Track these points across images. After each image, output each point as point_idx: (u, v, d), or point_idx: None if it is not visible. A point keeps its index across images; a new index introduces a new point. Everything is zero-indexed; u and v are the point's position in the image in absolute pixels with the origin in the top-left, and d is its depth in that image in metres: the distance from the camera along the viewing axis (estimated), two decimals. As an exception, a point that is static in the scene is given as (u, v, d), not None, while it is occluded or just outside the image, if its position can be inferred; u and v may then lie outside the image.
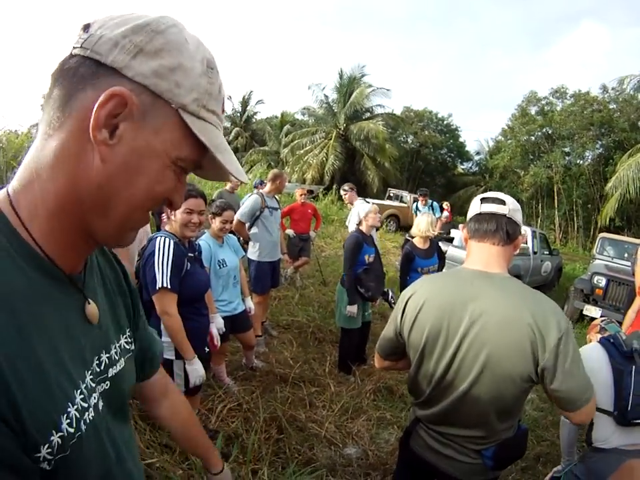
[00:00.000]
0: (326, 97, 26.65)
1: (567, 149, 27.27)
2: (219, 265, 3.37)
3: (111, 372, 0.74)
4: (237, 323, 3.59)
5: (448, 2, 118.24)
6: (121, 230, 0.64)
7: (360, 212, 4.33)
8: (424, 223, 4.42)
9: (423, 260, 4.37)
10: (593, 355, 2.06)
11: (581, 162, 26.86)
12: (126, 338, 0.83)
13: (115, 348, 0.77)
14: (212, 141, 0.62)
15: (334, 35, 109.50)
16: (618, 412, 1.92)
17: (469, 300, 1.43)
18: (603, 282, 7.78)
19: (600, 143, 25.90)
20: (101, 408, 0.69)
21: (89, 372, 0.67)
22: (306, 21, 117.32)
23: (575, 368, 1.36)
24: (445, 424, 1.55)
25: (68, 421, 0.58)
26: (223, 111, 0.68)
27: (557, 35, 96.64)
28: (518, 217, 1.53)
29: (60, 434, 0.56)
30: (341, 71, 25.92)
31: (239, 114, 34.95)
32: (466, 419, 1.50)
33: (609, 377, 1.98)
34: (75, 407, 0.60)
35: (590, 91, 26.70)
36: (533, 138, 28.78)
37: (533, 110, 29.38)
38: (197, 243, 2.99)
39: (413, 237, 4.72)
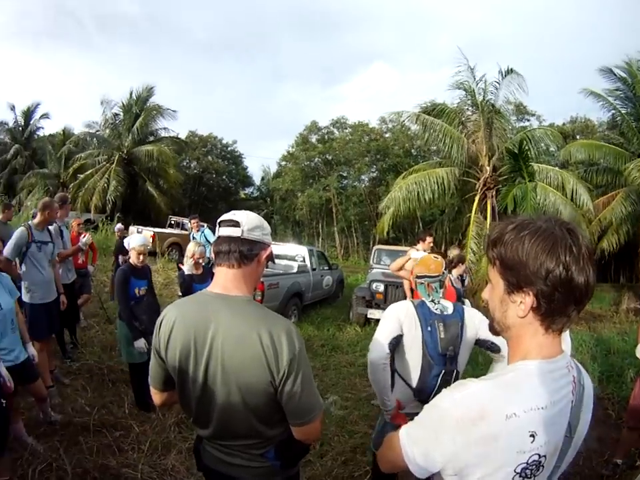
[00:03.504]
0: (115, 115, 24.65)
1: (344, 174, 30.25)
2: (-7, 308, 3.02)
3: None
4: (22, 374, 3.22)
5: (255, 35, 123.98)
6: None
7: (129, 244, 4.22)
8: (191, 250, 4.59)
9: (199, 285, 4.41)
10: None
11: (357, 184, 29.95)
12: None
13: None
14: None
15: (137, 48, 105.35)
16: None
17: (209, 322, 1.49)
18: (381, 287, 8.65)
19: (375, 167, 29.24)
20: None
21: None
22: (107, 26, 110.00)
23: (305, 388, 1.46)
24: (223, 438, 1.60)
25: None
26: None
27: (349, 72, 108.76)
28: (256, 234, 1.58)
29: None
30: (132, 90, 24.55)
31: (20, 128, 29.95)
32: (237, 431, 1.55)
33: None
34: None
35: (369, 122, 30.23)
36: (312, 163, 31.13)
37: (313, 138, 31.81)
38: None
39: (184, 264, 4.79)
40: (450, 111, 14.84)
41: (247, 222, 1.55)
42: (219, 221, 1.61)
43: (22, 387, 3.34)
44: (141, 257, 4.15)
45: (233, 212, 1.62)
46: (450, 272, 5.56)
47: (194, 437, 3.61)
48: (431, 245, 6.27)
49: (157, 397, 1.73)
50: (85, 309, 6.88)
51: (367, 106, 77.35)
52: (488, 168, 13.97)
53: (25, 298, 4.21)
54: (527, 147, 12.64)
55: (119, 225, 9.35)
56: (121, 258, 8.12)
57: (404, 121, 15.63)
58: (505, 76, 13.92)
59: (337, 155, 29.75)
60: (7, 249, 4.05)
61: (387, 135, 29.47)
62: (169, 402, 1.78)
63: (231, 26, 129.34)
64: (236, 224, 1.54)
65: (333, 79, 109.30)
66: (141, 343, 4.00)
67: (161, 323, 1.59)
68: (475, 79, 14.25)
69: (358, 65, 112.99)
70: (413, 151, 28.61)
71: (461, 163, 14.24)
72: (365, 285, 9.27)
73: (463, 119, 15.03)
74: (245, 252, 1.54)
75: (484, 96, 14.41)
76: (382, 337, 2.44)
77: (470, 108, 15.19)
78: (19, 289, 3.96)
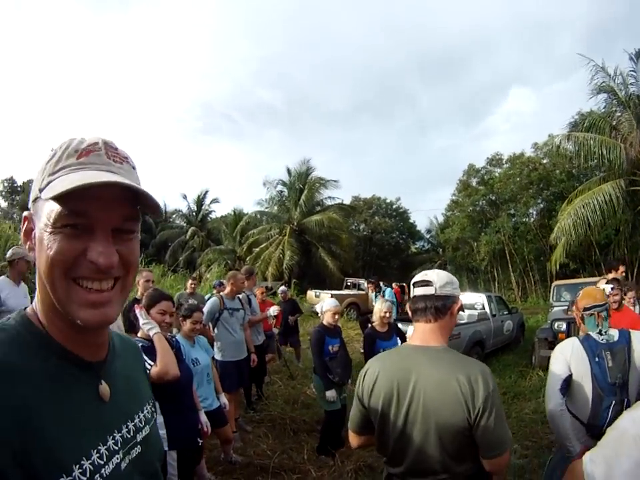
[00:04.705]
0: (279, 193, 27.53)
1: (511, 211, 28.29)
2: (193, 364, 3.56)
3: (139, 437, 0.91)
4: (213, 419, 3.67)
5: (387, 92, 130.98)
6: (67, 304, 0.76)
7: (323, 307, 4.66)
8: (378, 307, 4.83)
9: (384, 342, 4.65)
10: None
11: (527, 219, 27.88)
12: (148, 408, 1.00)
13: (139, 417, 0.94)
14: (58, 186, 0.72)
15: (283, 129, 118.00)
16: None
17: (411, 370, 1.68)
18: (563, 326, 7.90)
19: (541, 198, 27.06)
20: (123, 468, 0.84)
21: (111, 437, 0.83)
22: (253, 116, 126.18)
23: (497, 423, 1.56)
24: (414, 475, 1.71)
25: (80, 470, 0.74)
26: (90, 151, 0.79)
27: (489, 105, 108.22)
28: (447, 289, 1.76)
29: (70, 478, 0.72)
30: (289, 169, 27.05)
31: (194, 213, 35.30)
32: (429, 467, 1.66)
33: None
34: (90, 461, 0.76)
35: (524, 152, 28.31)
36: (478, 207, 29.95)
37: (474, 181, 30.82)
38: (174, 339, 3.23)
39: (373, 322, 5.02)
40: (598, 118, 13.66)
41: (438, 280, 1.77)
42: (412, 282, 1.85)
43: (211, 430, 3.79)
44: (336, 317, 4.58)
45: (424, 272, 1.85)
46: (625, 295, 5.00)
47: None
48: (624, 273, 5.75)
49: (354, 439, 1.95)
50: (269, 367, 7.40)
51: (517, 134, 74.47)
52: (654, 171, 12.43)
53: (217, 356, 4.86)
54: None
55: (283, 288, 9.86)
56: (290, 319, 8.67)
57: (557, 144, 14.92)
58: (638, 60, 12.61)
59: (500, 194, 28.22)
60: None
61: (544, 161, 27.01)
62: (364, 444, 1.98)
63: (361, 88, 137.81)
64: (428, 283, 1.77)
65: (475, 117, 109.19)
66: (332, 393, 4.34)
67: (365, 375, 1.82)
68: (610, 76, 13.08)
69: (495, 95, 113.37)
70: (574, 171, 25.40)
71: (623, 172, 12.92)
72: (547, 325, 8.61)
73: (614, 122, 13.66)
74: (440, 307, 1.74)
75: (625, 90, 13.07)
76: (554, 384, 2.52)
77: (617, 108, 13.81)
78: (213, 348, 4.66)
